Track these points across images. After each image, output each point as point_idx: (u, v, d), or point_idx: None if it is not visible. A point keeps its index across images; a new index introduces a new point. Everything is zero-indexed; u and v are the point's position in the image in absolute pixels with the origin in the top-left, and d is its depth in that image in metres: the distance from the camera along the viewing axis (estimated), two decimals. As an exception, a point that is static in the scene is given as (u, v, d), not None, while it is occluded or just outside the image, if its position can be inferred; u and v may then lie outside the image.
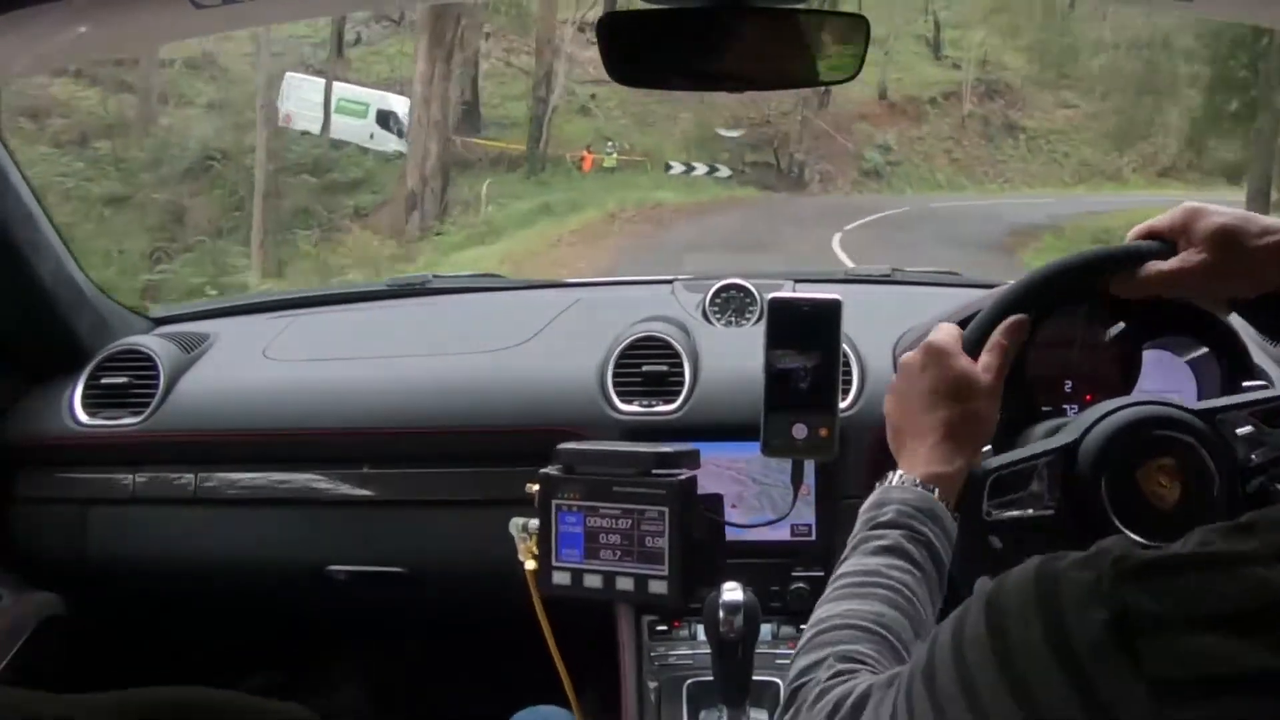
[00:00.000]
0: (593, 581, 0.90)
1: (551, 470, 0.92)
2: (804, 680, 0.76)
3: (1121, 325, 1.08)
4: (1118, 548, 0.56)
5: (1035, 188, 21.64)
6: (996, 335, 0.93)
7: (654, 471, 0.89)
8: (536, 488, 0.94)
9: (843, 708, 0.69)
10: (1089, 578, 0.55)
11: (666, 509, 0.88)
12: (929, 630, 0.77)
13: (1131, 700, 0.52)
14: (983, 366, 0.92)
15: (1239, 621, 0.52)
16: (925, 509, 0.85)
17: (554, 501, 0.91)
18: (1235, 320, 1.22)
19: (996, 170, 22.91)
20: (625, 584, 0.90)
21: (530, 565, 1.00)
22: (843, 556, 0.86)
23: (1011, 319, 0.94)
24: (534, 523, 0.95)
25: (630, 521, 0.89)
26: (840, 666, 0.74)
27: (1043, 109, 24.03)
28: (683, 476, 0.89)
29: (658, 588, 0.89)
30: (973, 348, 0.94)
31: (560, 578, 0.92)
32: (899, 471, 0.90)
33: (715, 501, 0.98)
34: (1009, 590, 0.59)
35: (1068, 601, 0.55)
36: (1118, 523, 0.94)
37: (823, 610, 0.81)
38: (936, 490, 0.86)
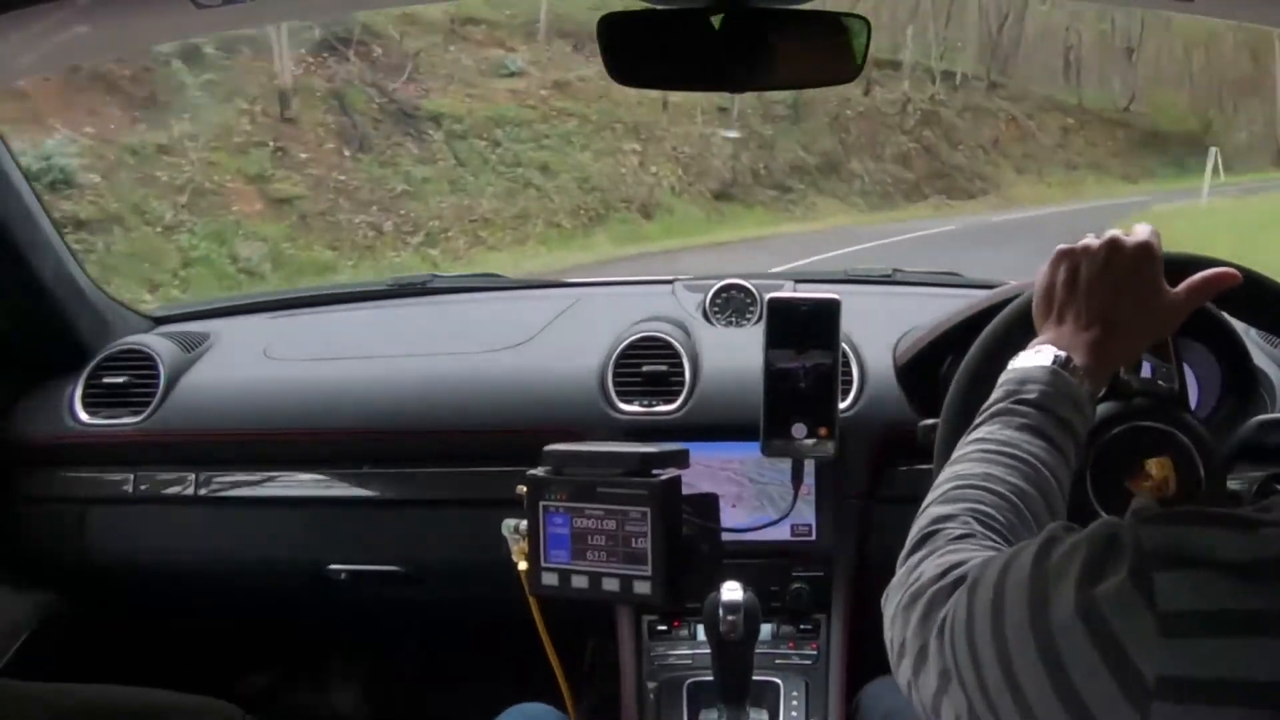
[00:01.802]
0: (579, 582, 0.90)
1: (539, 471, 0.92)
2: (937, 528, 0.76)
3: None
4: (1140, 502, 0.57)
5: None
6: (1203, 275, 0.89)
7: (638, 472, 0.89)
8: (524, 489, 0.94)
9: (950, 575, 0.69)
10: (1124, 533, 0.56)
11: (648, 509, 0.87)
12: (1063, 514, 0.77)
13: (1142, 635, 0.52)
14: (1174, 295, 0.88)
15: (1255, 568, 0.52)
16: (1071, 395, 0.83)
17: (541, 503, 0.91)
18: (1235, 320, 1.22)
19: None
20: (611, 585, 0.89)
21: (523, 566, 1.00)
22: (977, 421, 0.84)
23: (1226, 270, 0.90)
24: (525, 524, 0.95)
25: (615, 522, 0.89)
26: (975, 527, 0.74)
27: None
28: (665, 477, 0.89)
29: (642, 588, 0.88)
30: (1170, 275, 0.90)
31: (549, 578, 0.92)
32: (1049, 346, 0.86)
33: (711, 501, 0.98)
34: (1063, 547, 0.60)
35: (1105, 560, 0.56)
36: (1096, 505, 0.95)
37: (960, 467, 0.80)
38: (1085, 381, 0.84)
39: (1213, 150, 17.13)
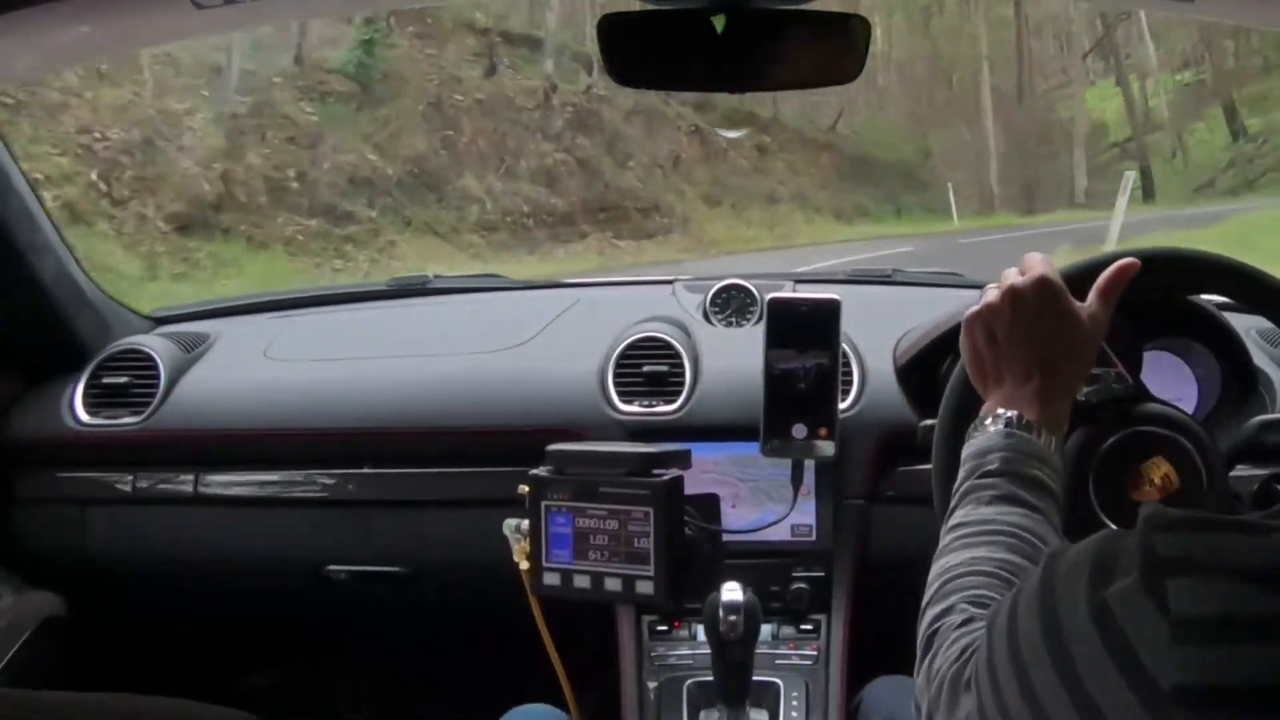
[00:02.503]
0: (581, 582, 0.90)
1: (541, 471, 0.92)
2: (937, 626, 0.76)
3: (1122, 325, 1.08)
4: (1150, 508, 0.57)
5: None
6: (1106, 277, 0.90)
7: (640, 472, 0.89)
8: (527, 489, 0.94)
9: (965, 655, 0.70)
10: (1130, 541, 0.56)
11: (651, 509, 0.88)
12: None
13: (1155, 642, 0.52)
14: (1089, 309, 0.89)
15: (1268, 575, 0.52)
16: (1032, 453, 0.83)
17: (543, 503, 0.91)
18: (1235, 320, 1.22)
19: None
20: (613, 584, 0.89)
21: (524, 566, 1.00)
22: (951, 507, 0.85)
23: (1123, 261, 0.90)
24: (527, 523, 0.95)
25: (617, 522, 0.89)
26: (972, 611, 0.75)
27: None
28: (667, 477, 0.89)
29: (644, 588, 0.88)
30: (1076, 290, 0.90)
31: (550, 578, 0.92)
32: (998, 410, 0.86)
33: (712, 501, 0.98)
34: (1068, 558, 0.60)
35: (1113, 565, 0.56)
36: (1103, 517, 0.95)
37: (945, 560, 0.81)
38: (1042, 431, 0.85)
39: (1128, 175, 13.07)
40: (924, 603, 0.80)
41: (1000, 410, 0.86)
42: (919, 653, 0.77)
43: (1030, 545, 0.79)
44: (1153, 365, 1.13)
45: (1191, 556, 0.53)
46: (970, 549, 0.79)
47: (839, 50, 0.98)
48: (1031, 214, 18.44)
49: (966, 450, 0.87)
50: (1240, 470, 1.03)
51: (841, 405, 1.32)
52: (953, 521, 0.84)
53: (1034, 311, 0.87)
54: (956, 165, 19.87)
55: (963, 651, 0.71)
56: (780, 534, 1.36)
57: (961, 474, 0.86)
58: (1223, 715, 0.50)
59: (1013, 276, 0.89)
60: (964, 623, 0.74)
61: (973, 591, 0.76)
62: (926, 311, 1.48)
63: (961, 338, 0.92)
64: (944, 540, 0.83)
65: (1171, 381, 1.17)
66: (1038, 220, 17.15)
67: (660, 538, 0.88)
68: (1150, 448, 0.97)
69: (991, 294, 0.90)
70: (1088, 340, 0.88)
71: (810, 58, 0.98)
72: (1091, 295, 0.90)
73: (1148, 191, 18.56)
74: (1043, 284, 0.88)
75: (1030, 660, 0.58)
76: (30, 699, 1.18)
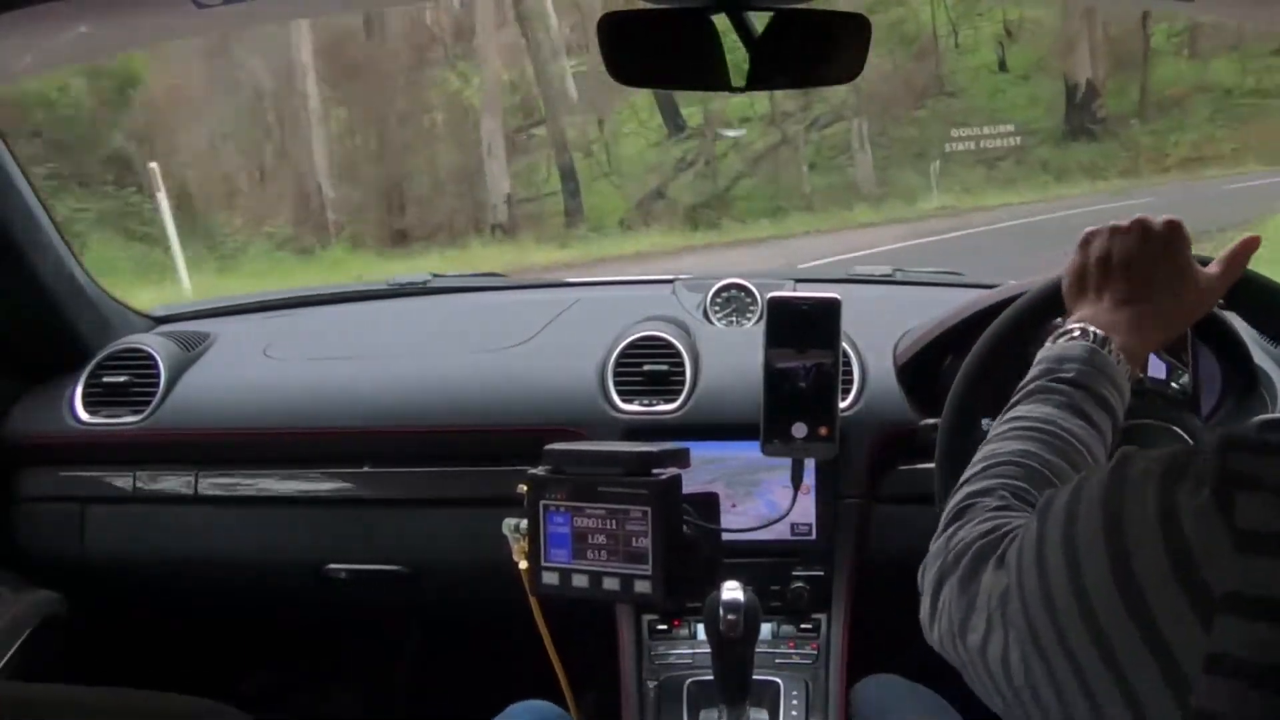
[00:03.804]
0: (580, 581, 0.90)
1: (540, 471, 0.92)
2: (972, 502, 0.77)
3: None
4: (1228, 428, 0.57)
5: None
6: (1233, 248, 0.91)
7: (638, 471, 0.89)
8: (525, 488, 0.94)
9: (994, 534, 0.70)
10: (1207, 454, 0.56)
11: (649, 509, 0.87)
12: None
13: (1216, 550, 0.53)
14: (1207, 272, 0.90)
15: None
16: (1108, 373, 0.84)
17: (542, 502, 0.91)
18: (1235, 320, 1.23)
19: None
20: (612, 584, 0.89)
21: (523, 565, 0.99)
22: (1013, 400, 0.85)
23: (1249, 237, 0.92)
24: (525, 523, 0.95)
25: (615, 521, 0.89)
26: (1010, 500, 0.75)
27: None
28: (665, 476, 0.89)
29: (643, 587, 0.88)
30: None
31: (549, 578, 0.92)
32: (1087, 324, 0.87)
33: (712, 501, 0.98)
34: (1141, 461, 0.60)
35: (1186, 474, 0.56)
36: None
37: (995, 445, 0.81)
38: (1121, 358, 0.85)
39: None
40: (963, 477, 0.81)
41: (1088, 325, 0.86)
42: (944, 522, 0.78)
43: (1081, 457, 0.79)
44: (1153, 364, 1.13)
45: (1262, 475, 0.54)
46: (1023, 441, 0.80)
47: (839, 48, 0.98)
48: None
49: (1042, 353, 0.87)
50: None
51: (841, 405, 1.32)
52: (1012, 414, 0.84)
53: (1157, 248, 0.88)
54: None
55: (992, 530, 0.71)
56: (780, 533, 1.36)
57: (1032, 373, 0.86)
58: (1265, 627, 0.51)
59: (1144, 216, 0.91)
60: (999, 507, 0.74)
61: (1015, 482, 0.76)
62: (926, 311, 1.48)
63: (1074, 252, 0.92)
64: (999, 428, 0.83)
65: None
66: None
67: (658, 537, 0.88)
68: (1151, 440, 0.97)
69: (1117, 220, 0.91)
70: (1195, 299, 0.89)
71: (810, 56, 0.98)
72: (1214, 263, 0.91)
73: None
74: (1175, 228, 0.89)
75: (1085, 552, 0.59)
76: (18, 693, 1.18)
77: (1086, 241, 0.91)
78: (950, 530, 0.76)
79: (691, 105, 14.77)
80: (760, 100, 14.13)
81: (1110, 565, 0.57)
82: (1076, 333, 0.86)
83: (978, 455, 0.82)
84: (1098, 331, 0.85)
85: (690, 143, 14.92)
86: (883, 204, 13.34)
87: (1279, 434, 0.56)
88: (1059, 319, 1.19)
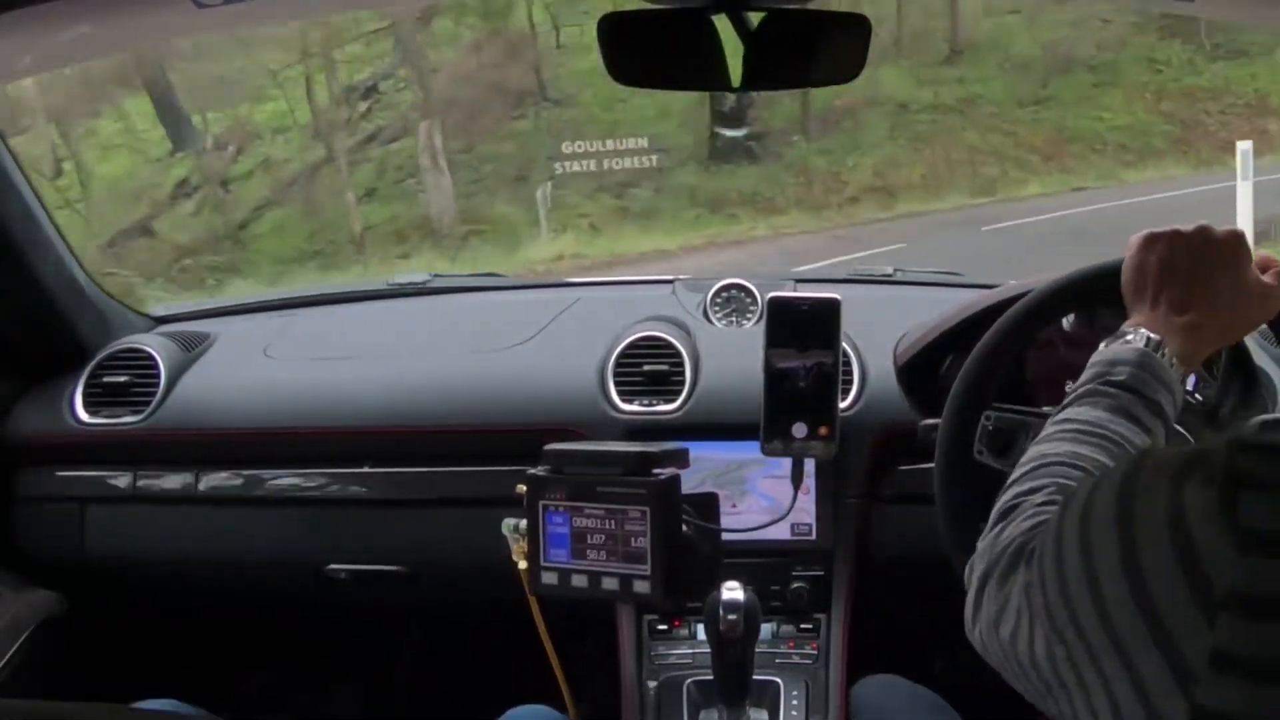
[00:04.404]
0: (579, 581, 0.90)
1: (539, 471, 0.92)
2: (1019, 501, 0.78)
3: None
4: (1237, 430, 0.58)
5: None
6: None
7: (637, 471, 0.89)
8: (525, 488, 0.94)
9: (1038, 527, 0.71)
10: (1216, 454, 0.57)
11: (648, 509, 0.87)
12: None
13: (1220, 548, 0.53)
14: (1265, 283, 0.90)
15: None
16: (1162, 378, 0.84)
17: (541, 502, 0.91)
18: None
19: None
20: (610, 584, 0.89)
21: (523, 565, 0.99)
22: (1064, 403, 0.86)
23: None
24: (525, 523, 0.95)
25: (614, 522, 0.88)
26: (1059, 498, 0.75)
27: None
28: (664, 476, 0.89)
29: (642, 587, 0.88)
30: None
31: (548, 578, 0.92)
32: (1142, 329, 0.87)
33: (711, 501, 0.98)
34: (1155, 458, 0.61)
35: (1195, 473, 0.57)
36: None
37: (1045, 447, 0.82)
38: (1174, 363, 0.85)
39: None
40: (1010, 479, 0.81)
41: (1144, 330, 0.87)
42: (991, 520, 0.78)
43: None
44: None
45: (1266, 475, 0.54)
46: (1074, 444, 0.80)
47: (839, 49, 0.98)
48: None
49: (1097, 356, 0.88)
50: None
51: (841, 405, 1.32)
52: (1063, 415, 0.84)
53: (1219, 257, 0.88)
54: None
55: (1034, 527, 0.72)
56: (780, 533, 1.36)
57: (1085, 376, 0.87)
58: (1268, 624, 0.52)
59: (1206, 223, 0.91)
60: (1047, 503, 0.75)
61: (1066, 482, 0.77)
62: (926, 311, 1.48)
63: (1134, 251, 0.92)
64: (1049, 430, 0.84)
65: None
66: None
67: (657, 537, 0.87)
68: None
69: (1179, 225, 0.91)
70: (1252, 311, 0.90)
71: (810, 57, 0.98)
72: (1270, 274, 0.91)
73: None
74: (1237, 238, 0.89)
75: (1098, 544, 0.60)
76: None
77: (1149, 243, 0.91)
78: (997, 529, 0.77)
79: (218, 110, 10.75)
80: (301, 104, 10.75)
81: (1120, 558, 0.58)
82: (1131, 336, 0.87)
83: (1026, 456, 0.83)
84: (1153, 336, 0.86)
85: (200, 160, 10.55)
86: (468, 248, 9.60)
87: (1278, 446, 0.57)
88: (1063, 320, 1.19)
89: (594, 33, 0.94)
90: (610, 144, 10.08)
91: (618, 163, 9.98)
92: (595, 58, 0.89)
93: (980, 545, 0.78)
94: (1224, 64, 12.00)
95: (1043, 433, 0.85)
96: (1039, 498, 0.77)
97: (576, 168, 9.96)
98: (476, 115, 10.86)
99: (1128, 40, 12.05)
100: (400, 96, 10.54)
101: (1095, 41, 11.93)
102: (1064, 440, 0.81)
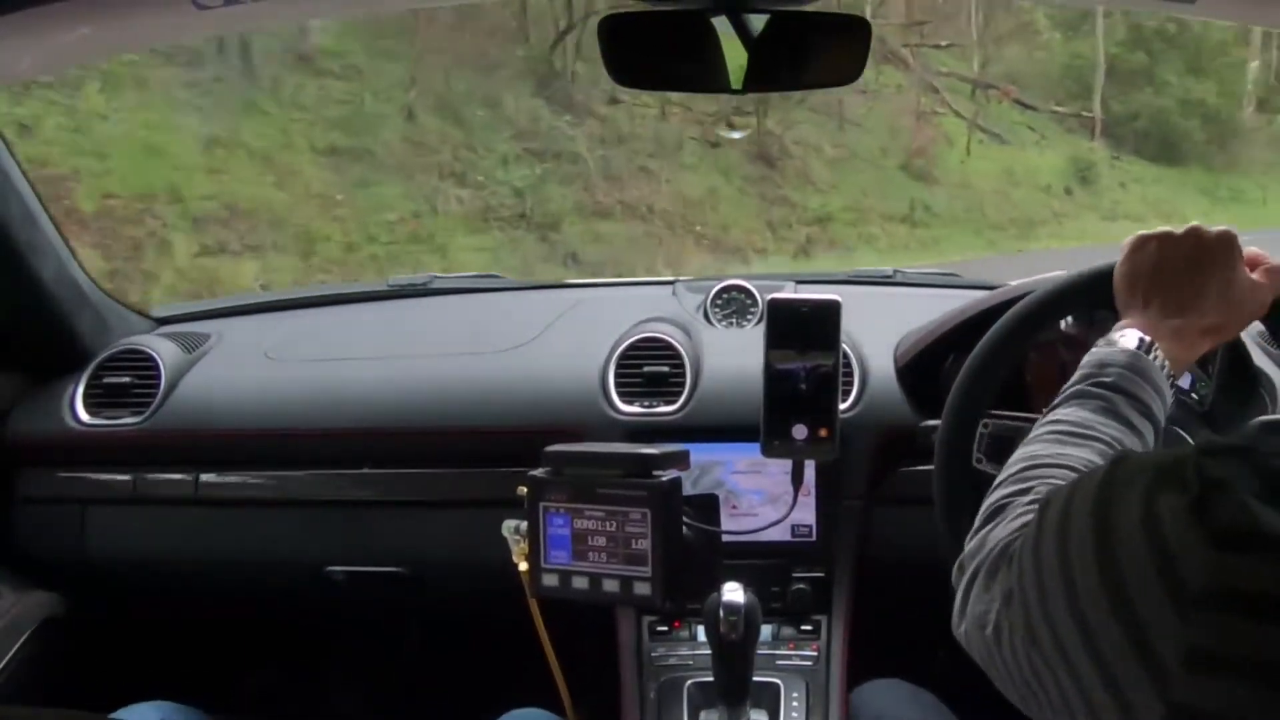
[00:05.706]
0: (580, 583, 0.90)
1: (539, 472, 0.92)
2: (1007, 502, 0.78)
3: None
4: (1202, 438, 0.58)
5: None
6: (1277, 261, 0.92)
7: (638, 473, 0.89)
8: (525, 490, 0.94)
9: (1025, 528, 0.71)
10: (1187, 461, 0.58)
11: (649, 510, 0.87)
12: None
13: (1194, 549, 0.54)
14: (1256, 281, 0.90)
15: None
16: (1151, 379, 0.84)
17: (541, 504, 0.91)
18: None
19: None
20: (611, 586, 0.89)
21: (523, 567, 0.99)
22: (1054, 404, 0.86)
23: None
24: (525, 525, 0.95)
25: (615, 523, 0.88)
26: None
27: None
28: (665, 478, 0.89)
29: (642, 589, 0.88)
30: None
31: (549, 579, 0.92)
32: (1133, 330, 0.88)
33: (712, 502, 0.97)
34: (1132, 463, 0.61)
35: (1170, 478, 0.57)
36: None
37: (1033, 448, 0.82)
38: (1166, 364, 0.86)
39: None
40: (999, 479, 0.82)
41: (1134, 331, 0.87)
42: (979, 522, 0.79)
43: None
44: None
45: (1235, 478, 0.55)
46: (1062, 445, 0.81)
47: (840, 51, 0.98)
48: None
49: (1087, 358, 0.88)
50: None
51: (842, 406, 1.32)
52: (1051, 417, 0.85)
53: (1209, 257, 0.89)
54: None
55: (1021, 528, 0.73)
56: (780, 534, 1.36)
57: (1074, 378, 0.87)
58: (1239, 619, 0.53)
59: (1197, 224, 0.91)
60: (1032, 503, 0.76)
61: (1053, 483, 0.77)
62: (926, 311, 1.48)
63: (1126, 253, 0.93)
64: (1037, 431, 0.84)
65: None
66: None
67: (658, 539, 0.87)
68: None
69: (1169, 227, 0.91)
70: (1249, 307, 0.90)
71: (811, 58, 0.98)
72: (1259, 272, 0.91)
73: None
74: (1227, 238, 0.90)
75: (1075, 546, 0.60)
76: None
77: (1139, 245, 0.92)
78: (985, 529, 0.77)
79: None
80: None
81: (1097, 559, 0.58)
82: (1121, 337, 0.87)
83: (1015, 456, 0.83)
84: (1143, 337, 0.86)
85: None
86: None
87: (1268, 437, 0.57)
88: (1068, 321, 1.19)
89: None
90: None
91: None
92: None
93: (968, 545, 0.78)
94: None
95: (1032, 433, 0.85)
96: (1027, 499, 0.77)
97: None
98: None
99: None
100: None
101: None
102: (1051, 442, 0.82)
